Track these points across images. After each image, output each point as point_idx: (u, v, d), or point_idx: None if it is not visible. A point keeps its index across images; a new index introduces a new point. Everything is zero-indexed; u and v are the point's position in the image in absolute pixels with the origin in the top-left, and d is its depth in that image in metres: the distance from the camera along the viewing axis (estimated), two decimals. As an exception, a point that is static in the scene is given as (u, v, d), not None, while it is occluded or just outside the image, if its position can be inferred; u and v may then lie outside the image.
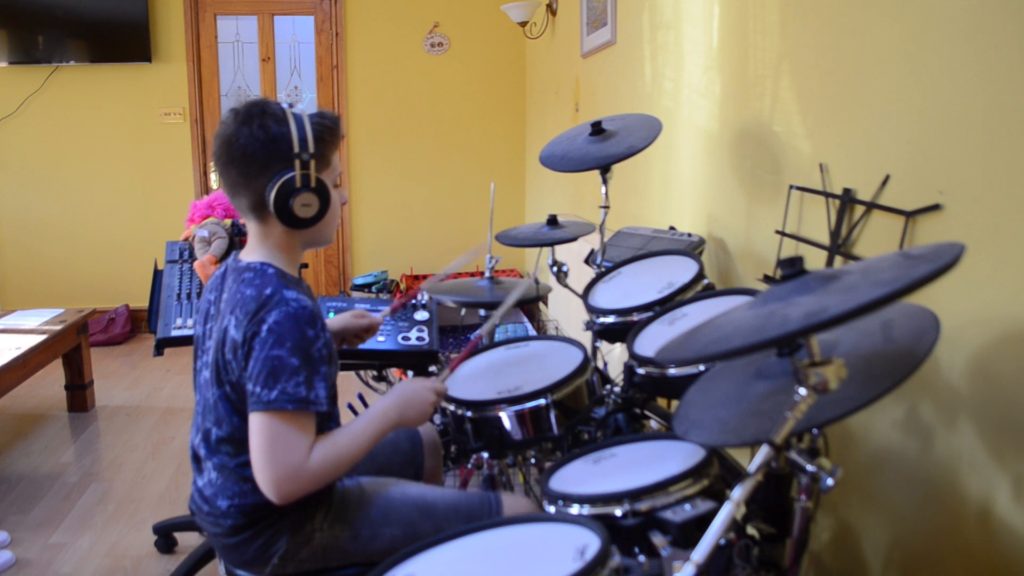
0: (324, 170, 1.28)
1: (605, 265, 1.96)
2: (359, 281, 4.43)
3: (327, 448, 1.21)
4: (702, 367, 1.29)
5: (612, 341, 1.68)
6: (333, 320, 1.59)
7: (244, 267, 1.28)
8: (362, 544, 1.32)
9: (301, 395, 1.17)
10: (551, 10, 4.02)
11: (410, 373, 2.16)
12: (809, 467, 0.89)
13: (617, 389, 1.52)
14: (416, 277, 4.69)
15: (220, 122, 1.27)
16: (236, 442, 1.24)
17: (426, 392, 1.36)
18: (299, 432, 1.18)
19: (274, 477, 1.17)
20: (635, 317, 1.60)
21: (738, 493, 0.82)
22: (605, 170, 1.86)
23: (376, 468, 1.50)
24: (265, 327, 1.18)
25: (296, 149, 1.22)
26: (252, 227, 1.31)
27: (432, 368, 1.99)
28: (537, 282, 2.23)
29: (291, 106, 1.26)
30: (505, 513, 1.37)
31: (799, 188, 1.65)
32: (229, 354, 1.22)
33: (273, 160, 1.23)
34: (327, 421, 1.33)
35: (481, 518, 1.35)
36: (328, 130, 1.28)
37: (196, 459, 1.35)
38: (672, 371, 1.37)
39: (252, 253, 1.31)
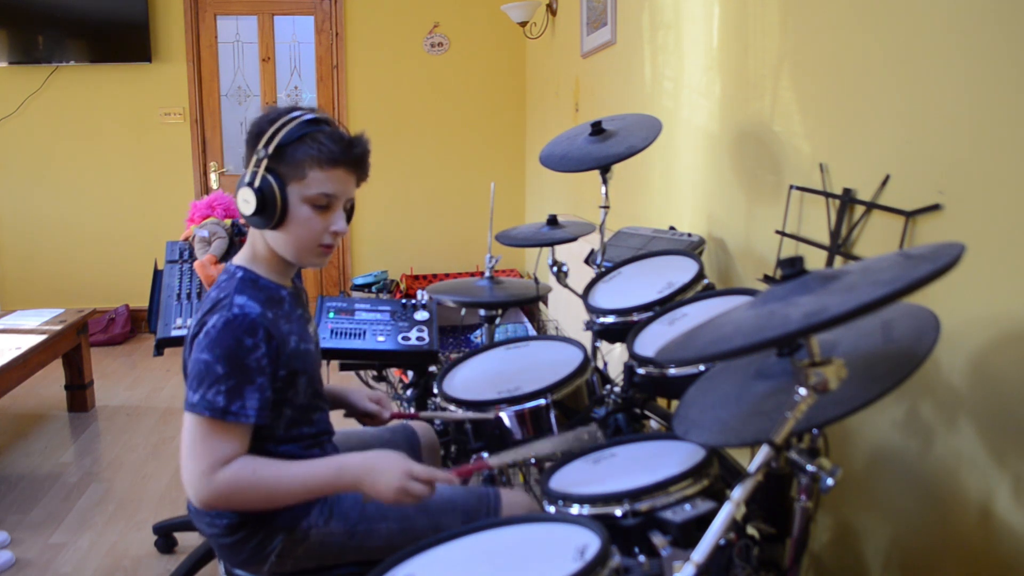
0: (294, 180, 1.23)
1: (605, 265, 1.95)
2: (359, 281, 4.43)
3: (246, 469, 1.18)
4: (702, 367, 1.29)
5: (612, 341, 1.68)
6: (342, 387, 1.53)
7: (225, 269, 1.32)
8: (358, 540, 1.32)
9: (219, 404, 1.17)
10: (551, 10, 4.02)
11: (410, 374, 2.16)
12: (809, 467, 0.89)
13: (617, 389, 1.52)
14: (416, 277, 4.69)
15: None
16: None
17: (398, 472, 1.18)
18: (216, 439, 1.18)
19: (187, 478, 1.19)
20: (635, 317, 1.60)
21: (738, 493, 0.82)
22: (605, 170, 1.86)
23: None
24: (204, 329, 1.20)
25: (260, 145, 1.24)
26: None
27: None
28: (537, 281, 2.23)
29: (301, 112, 1.25)
30: (504, 508, 1.36)
31: (799, 188, 1.65)
32: (186, 353, 1.26)
33: (251, 154, 1.26)
34: (304, 422, 1.32)
35: (478, 514, 1.35)
36: (320, 146, 1.23)
37: None
38: (672, 371, 1.37)
39: (239, 255, 1.34)
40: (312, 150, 1.23)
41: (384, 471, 1.19)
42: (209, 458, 1.17)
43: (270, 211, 1.24)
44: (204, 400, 1.17)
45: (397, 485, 1.18)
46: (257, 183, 1.22)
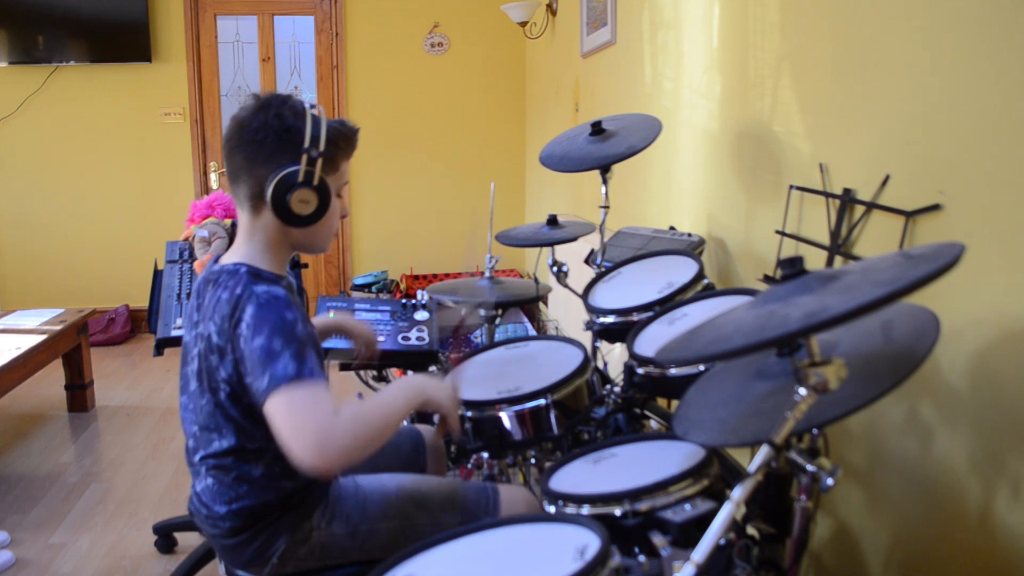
0: (331, 175, 1.27)
1: (605, 265, 1.95)
2: (359, 281, 4.43)
3: (354, 407, 1.16)
4: (702, 367, 1.29)
5: (612, 341, 1.68)
6: (330, 319, 1.62)
7: (219, 271, 1.26)
8: (360, 540, 1.32)
9: (291, 372, 1.12)
10: (551, 10, 4.02)
11: (410, 373, 2.16)
12: (809, 467, 0.89)
13: (617, 389, 1.52)
14: (416, 277, 4.69)
15: (240, 107, 1.26)
16: (235, 450, 1.24)
17: (446, 384, 1.36)
18: (312, 397, 1.12)
19: (306, 444, 1.08)
20: (635, 317, 1.60)
21: (738, 493, 0.82)
22: (605, 170, 1.86)
23: (376, 469, 1.50)
24: (243, 325, 1.17)
25: (307, 144, 1.21)
26: (243, 220, 1.28)
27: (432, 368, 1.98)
28: (537, 281, 2.23)
29: (312, 107, 1.26)
30: (503, 503, 1.36)
31: (799, 188, 1.65)
32: (215, 360, 1.21)
33: (281, 151, 1.22)
34: None
35: (477, 509, 1.35)
36: (344, 137, 1.28)
37: (192, 464, 1.34)
38: (672, 371, 1.37)
39: (232, 254, 1.29)
40: (340, 142, 1.27)
41: (437, 383, 1.34)
42: (323, 410, 1.11)
43: (323, 208, 1.25)
44: (275, 378, 1.11)
45: (451, 389, 1.35)
46: (315, 182, 1.23)
